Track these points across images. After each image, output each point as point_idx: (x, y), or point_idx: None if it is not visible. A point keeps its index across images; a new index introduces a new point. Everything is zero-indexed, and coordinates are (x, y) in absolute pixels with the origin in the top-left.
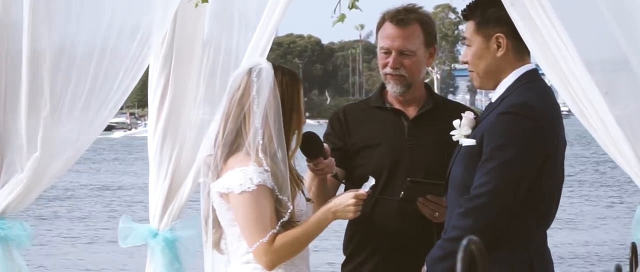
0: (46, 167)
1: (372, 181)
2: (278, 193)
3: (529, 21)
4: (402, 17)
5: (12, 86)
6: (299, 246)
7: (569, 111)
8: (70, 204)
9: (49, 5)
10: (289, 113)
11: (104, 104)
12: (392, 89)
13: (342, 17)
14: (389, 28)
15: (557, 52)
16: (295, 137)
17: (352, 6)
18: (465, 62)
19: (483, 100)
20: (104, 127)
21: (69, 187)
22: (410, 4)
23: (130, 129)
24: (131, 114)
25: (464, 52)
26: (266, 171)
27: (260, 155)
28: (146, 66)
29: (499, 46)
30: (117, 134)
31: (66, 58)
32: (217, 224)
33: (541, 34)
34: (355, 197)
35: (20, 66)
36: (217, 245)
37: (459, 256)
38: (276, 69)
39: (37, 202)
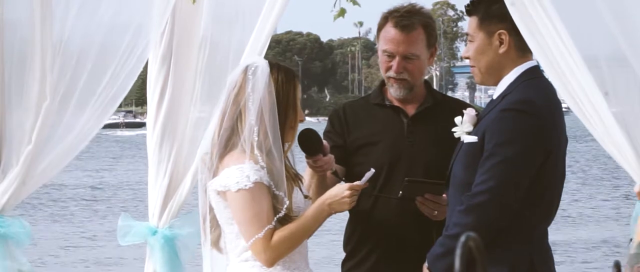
0: (40, 161)
1: (371, 172)
2: (274, 189)
3: (527, 19)
4: (406, 23)
5: (10, 81)
6: (297, 240)
7: (569, 108)
8: (72, 201)
9: (48, 1)
10: (285, 110)
11: (101, 101)
12: (395, 92)
13: (342, 12)
14: (392, 32)
15: (556, 50)
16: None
17: (354, 1)
18: (467, 58)
19: (482, 97)
20: (103, 124)
21: (70, 184)
22: (412, 5)
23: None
24: (128, 111)
25: (466, 47)
26: (262, 167)
27: (256, 152)
28: (144, 63)
29: (501, 43)
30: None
31: (64, 54)
32: (215, 223)
33: (540, 31)
34: (351, 188)
35: (18, 61)
36: (216, 244)
37: (457, 252)
38: (272, 66)
39: (38, 201)
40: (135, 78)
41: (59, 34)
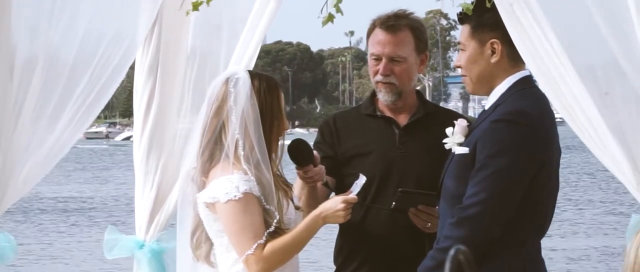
0: (18, 172)
1: (363, 179)
2: (265, 203)
3: (519, 27)
4: (392, 23)
5: None
6: (290, 252)
7: (563, 118)
8: (64, 213)
9: (22, 11)
10: (270, 121)
11: (75, 111)
12: (383, 97)
13: (330, 17)
14: (379, 34)
15: (547, 59)
16: (279, 145)
17: (338, 9)
18: (459, 67)
19: (476, 107)
20: (80, 135)
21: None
22: (400, 10)
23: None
24: (111, 123)
25: (458, 56)
26: (252, 179)
27: (244, 165)
28: (123, 74)
29: (493, 52)
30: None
31: (40, 63)
32: (205, 237)
33: (531, 40)
34: (345, 201)
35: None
36: (206, 258)
37: (447, 265)
38: (253, 76)
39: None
40: (114, 88)
41: (34, 43)
